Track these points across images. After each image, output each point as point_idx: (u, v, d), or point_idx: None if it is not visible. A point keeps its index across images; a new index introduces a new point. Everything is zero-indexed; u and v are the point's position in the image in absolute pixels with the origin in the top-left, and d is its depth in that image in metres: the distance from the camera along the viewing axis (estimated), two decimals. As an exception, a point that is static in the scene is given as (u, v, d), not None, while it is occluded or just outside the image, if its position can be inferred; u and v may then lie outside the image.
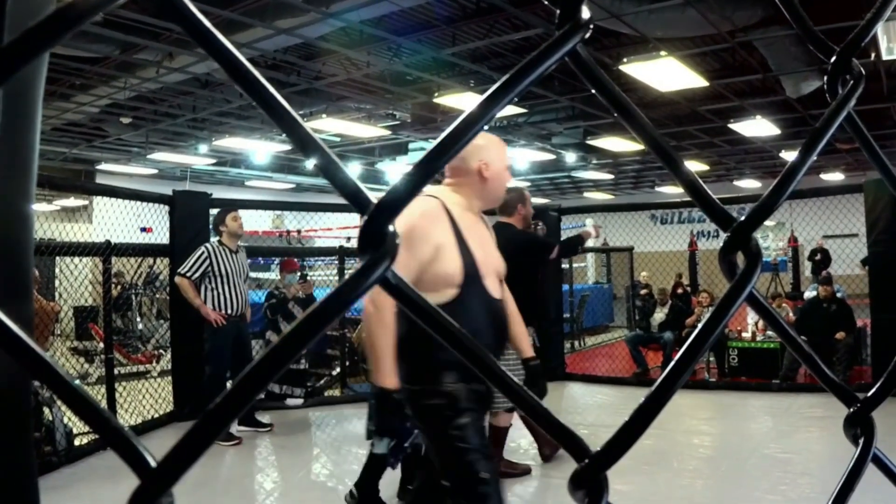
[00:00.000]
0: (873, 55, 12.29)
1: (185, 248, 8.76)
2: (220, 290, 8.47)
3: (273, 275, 13.25)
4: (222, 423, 0.48)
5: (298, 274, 10.77)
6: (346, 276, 0.51)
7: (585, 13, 0.59)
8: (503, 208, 6.63)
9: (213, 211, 9.19)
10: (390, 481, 6.02)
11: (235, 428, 8.46)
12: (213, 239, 8.75)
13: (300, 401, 10.19)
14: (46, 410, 7.50)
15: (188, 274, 8.36)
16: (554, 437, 0.59)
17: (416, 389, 3.51)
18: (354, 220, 15.75)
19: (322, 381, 11.40)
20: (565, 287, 14.92)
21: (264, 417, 9.26)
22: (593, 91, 0.64)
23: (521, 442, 8.07)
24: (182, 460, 0.46)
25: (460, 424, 3.44)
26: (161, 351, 13.88)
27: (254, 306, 10.44)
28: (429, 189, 3.57)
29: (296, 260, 11.36)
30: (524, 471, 7.20)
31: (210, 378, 8.57)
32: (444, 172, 3.82)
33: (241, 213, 8.98)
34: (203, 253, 8.43)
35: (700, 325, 0.65)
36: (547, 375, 12.11)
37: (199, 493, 6.11)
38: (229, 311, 8.50)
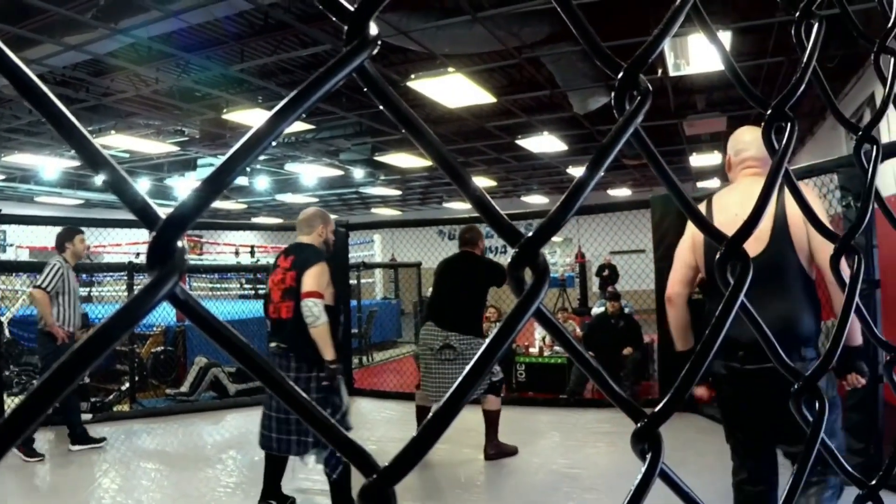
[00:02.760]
0: (660, 71, 12.72)
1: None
2: (66, 307, 8.32)
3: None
4: (5, 445, 0.46)
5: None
6: (135, 292, 0.50)
7: (373, 29, 0.59)
8: (468, 241, 8.51)
9: (56, 229, 8.88)
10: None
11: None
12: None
13: (87, 416, 9.91)
14: None
15: (47, 287, 8.13)
16: (341, 452, 0.58)
17: None
18: (144, 235, 15.53)
19: (111, 397, 11.12)
20: (353, 303, 15.03)
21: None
22: (381, 107, 0.65)
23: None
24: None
25: None
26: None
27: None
28: None
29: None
30: (513, 451, 8.30)
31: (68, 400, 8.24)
32: None
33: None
34: (58, 266, 8.24)
35: (487, 341, 0.65)
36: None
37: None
38: (71, 329, 8.34)
